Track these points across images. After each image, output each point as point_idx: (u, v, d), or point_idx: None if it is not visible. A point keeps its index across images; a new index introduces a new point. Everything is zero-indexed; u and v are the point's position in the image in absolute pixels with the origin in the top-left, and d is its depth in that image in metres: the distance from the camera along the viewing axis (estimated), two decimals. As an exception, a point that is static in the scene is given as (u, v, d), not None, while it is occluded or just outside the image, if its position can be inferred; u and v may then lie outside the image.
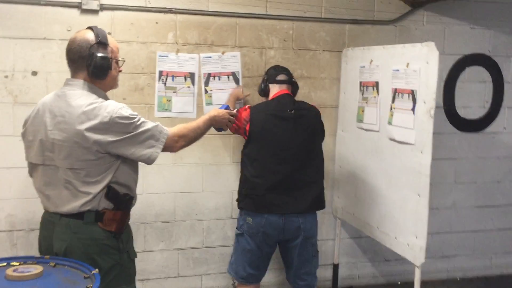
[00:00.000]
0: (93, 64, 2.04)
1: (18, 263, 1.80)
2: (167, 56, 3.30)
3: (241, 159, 2.93)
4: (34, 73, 3.13)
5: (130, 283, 2.20)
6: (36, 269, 1.72)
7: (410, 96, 2.76)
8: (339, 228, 3.76)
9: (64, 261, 1.85)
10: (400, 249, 2.92)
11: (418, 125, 2.70)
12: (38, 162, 2.08)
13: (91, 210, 2.03)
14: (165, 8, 3.29)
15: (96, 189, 2.01)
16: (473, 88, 3.95)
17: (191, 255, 3.57)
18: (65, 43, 2.13)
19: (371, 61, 3.19)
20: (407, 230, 2.83)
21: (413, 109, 2.74)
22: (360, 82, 3.31)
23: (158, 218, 3.47)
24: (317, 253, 2.96)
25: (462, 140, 3.98)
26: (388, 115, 2.97)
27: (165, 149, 2.15)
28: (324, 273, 3.75)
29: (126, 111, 2.04)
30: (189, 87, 3.34)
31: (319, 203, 2.90)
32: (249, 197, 2.81)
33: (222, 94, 3.37)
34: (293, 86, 3.02)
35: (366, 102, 3.23)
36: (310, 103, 3.03)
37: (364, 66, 3.27)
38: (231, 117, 2.68)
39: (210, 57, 3.37)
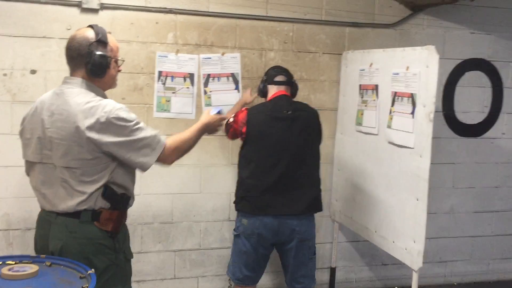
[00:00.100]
0: (91, 62, 2.04)
1: (13, 262, 1.78)
2: (167, 57, 3.29)
3: (238, 161, 2.92)
4: (33, 72, 3.12)
5: (125, 283, 2.18)
6: (32, 268, 1.70)
7: (410, 99, 2.76)
8: (336, 232, 3.75)
9: (59, 261, 1.84)
10: (398, 254, 2.92)
11: (418, 129, 2.70)
12: (35, 160, 2.07)
13: (87, 209, 2.01)
14: (165, 8, 3.29)
15: (91, 188, 2.00)
16: (472, 93, 3.95)
17: (188, 256, 3.55)
18: (65, 42, 2.12)
19: (371, 64, 3.19)
20: (405, 234, 2.82)
21: (412, 113, 2.73)
22: (360, 85, 3.31)
23: (155, 219, 3.45)
24: (314, 256, 2.94)
25: (460, 145, 3.98)
26: (387, 119, 2.97)
27: (159, 160, 2.11)
28: (321, 277, 3.74)
29: (124, 112, 2.02)
30: (188, 87, 3.34)
31: (316, 205, 2.88)
32: (245, 199, 2.80)
33: (221, 95, 3.37)
34: (292, 87, 2.99)
35: (366, 105, 3.23)
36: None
37: (363, 69, 3.26)
38: (224, 121, 2.60)
39: (210, 58, 3.36)
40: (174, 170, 3.41)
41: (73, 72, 2.11)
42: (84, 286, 1.63)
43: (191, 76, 3.33)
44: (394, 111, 2.91)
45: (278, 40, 3.53)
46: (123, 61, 2.23)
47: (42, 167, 2.05)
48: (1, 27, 3.04)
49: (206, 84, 3.36)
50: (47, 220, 2.07)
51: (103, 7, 3.17)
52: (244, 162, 2.84)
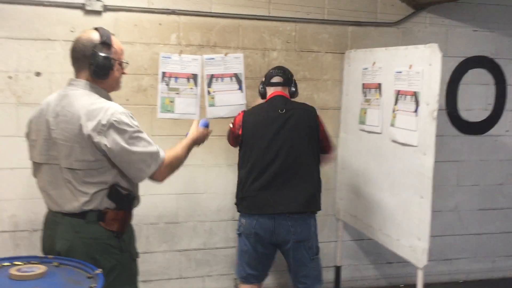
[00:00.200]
0: (95, 64, 2.05)
1: (21, 263, 1.79)
2: (170, 57, 3.29)
3: (237, 162, 2.94)
4: (38, 74, 3.14)
5: (132, 283, 2.20)
6: (40, 269, 1.71)
7: (413, 98, 2.76)
8: (341, 230, 3.75)
9: (67, 261, 1.85)
10: (402, 252, 2.92)
11: (421, 127, 2.70)
12: (41, 161, 2.08)
13: (93, 210, 2.03)
14: (168, 9, 3.30)
15: (94, 189, 2.01)
16: (475, 90, 3.95)
17: (193, 256, 3.56)
18: (69, 44, 2.14)
19: (374, 62, 3.19)
20: (409, 232, 2.82)
21: (416, 111, 2.74)
22: (363, 84, 3.31)
23: (161, 219, 3.47)
24: (317, 256, 2.89)
25: (464, 143, 3.98)
26: (390, 117, 2.97)
27: (152, 177, 2.11)
28: (326, 275, 3.73)
29: (126, 117, 2.01)
30: (192, 88, 3.34)
31: (313, 204, 2.82)
32: (243, 199, 2.83)
33: (224, 95, 3.37)
34: (291, 86, 2.96)
35: (369, 104, 3.23)
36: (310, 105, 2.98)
37: (366, 68, 3.27)
38: (210, 134, 2.66)
39: (213, 58, 3.37)
40: (179, 170, 3.41)
41: (77, 74, 2.12)
42: (92, 286, 1.64)
43: (194, 76, 3.34)
44: (397, 110, 2.92)
45: (280, 40, 3.54)
46: (128, 63, 2.25)
47: (49, 168, 2.07)
48: (6, 30, 3.06)
49: (209, 84, 3.36)
50: (54, 221, 2.08)
51: (107, 9, 3.19)
52: (242, 163, 2.87)
